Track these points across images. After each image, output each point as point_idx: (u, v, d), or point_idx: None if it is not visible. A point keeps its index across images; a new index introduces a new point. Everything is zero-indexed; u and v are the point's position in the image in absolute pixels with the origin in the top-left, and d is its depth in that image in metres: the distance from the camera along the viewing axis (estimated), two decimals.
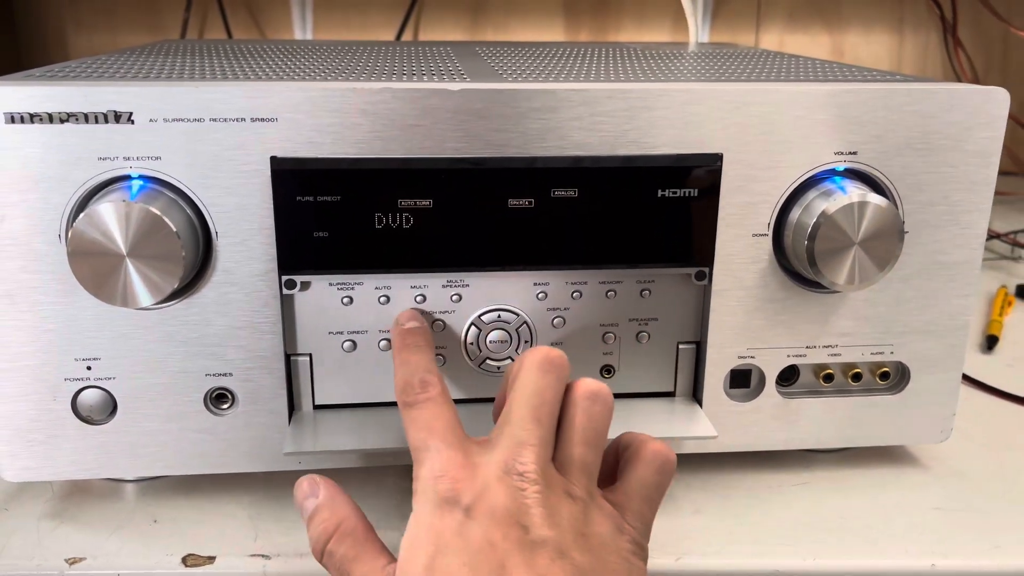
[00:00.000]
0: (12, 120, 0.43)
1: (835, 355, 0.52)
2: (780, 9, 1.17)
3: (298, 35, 1.07)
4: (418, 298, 0.49)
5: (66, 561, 0.46)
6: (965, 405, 0.59)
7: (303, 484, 0.43)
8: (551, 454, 0.41)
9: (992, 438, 0.58)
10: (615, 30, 1.15)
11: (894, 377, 0.53)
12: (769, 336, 0.51)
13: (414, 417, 0.41)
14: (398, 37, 1.09)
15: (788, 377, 0.53)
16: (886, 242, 0.47)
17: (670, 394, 0.53)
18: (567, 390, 0.42)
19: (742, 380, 0.52)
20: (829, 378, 0.52)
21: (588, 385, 0.42)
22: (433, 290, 0.49)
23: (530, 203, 0.47)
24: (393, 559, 0.40)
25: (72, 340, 0.46)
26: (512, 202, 0.47)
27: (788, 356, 0.51)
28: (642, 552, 0.41)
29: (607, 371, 0.52)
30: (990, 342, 0.73)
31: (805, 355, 0.51)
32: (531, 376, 0.41)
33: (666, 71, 0.57)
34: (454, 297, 0.49)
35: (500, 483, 0.38)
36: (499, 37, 1.14)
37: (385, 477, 0.53)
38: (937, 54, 1.20)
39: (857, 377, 0.52)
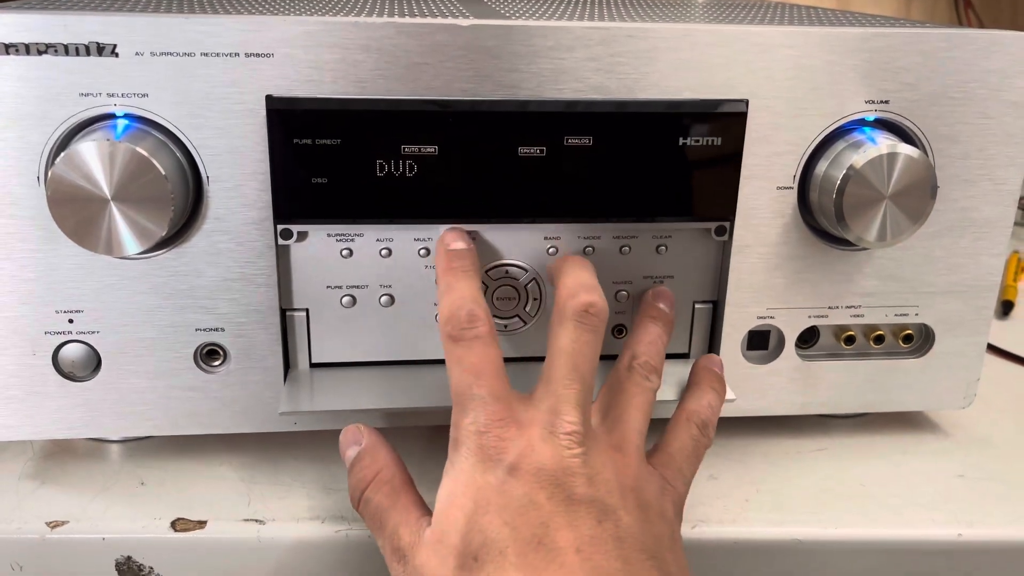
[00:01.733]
0: None
1: (857, 316, 0.49)
2: None
3: None
4: (421, 251, 0.46)
5: (47, 524, 0.43)
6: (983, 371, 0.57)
7: (348, 432, 0.43)
8: (591, 412, 0.40)
9: (1012, 404, 0.56)
10: None
11: (917, 340, 0.51)
12: (790, 296, 0.48)
13: (460, 356, 0.39)
14: None
15: (807, 339, 0.50)
16: (918, 195, 0.44)
17: (684, 356, 0.50)
18: (624, 357, 0.44)
19: (760, 342, 0.50)
20: (850, 340, 0.50)
21: (646, 358, 0.43)
22: (437, 242, 0.46)
23: (541, 151, 0.44)
24: (428, 512, 0.39)
25: (53, 291, 0.43)
26: (522, 150, 0.44)
27: (809, 317, 0.49)
28: (681, 514, 0.41)
29: (619, 331, 0.50)
30: (1005, 307, 0.71)
31: (827, 316, 0.49)
32: (569, 330, 0.40)
33: (682, 15, 0.54)
34: None
35: (544, 443, 0.37)
36: None
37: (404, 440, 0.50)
38: (945, 17, 1.17)
39: (879, 340, 0.50)
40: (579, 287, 0.41)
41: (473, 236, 0.46)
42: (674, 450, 0.42)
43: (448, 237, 0.45)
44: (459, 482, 0.37)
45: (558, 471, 0.36)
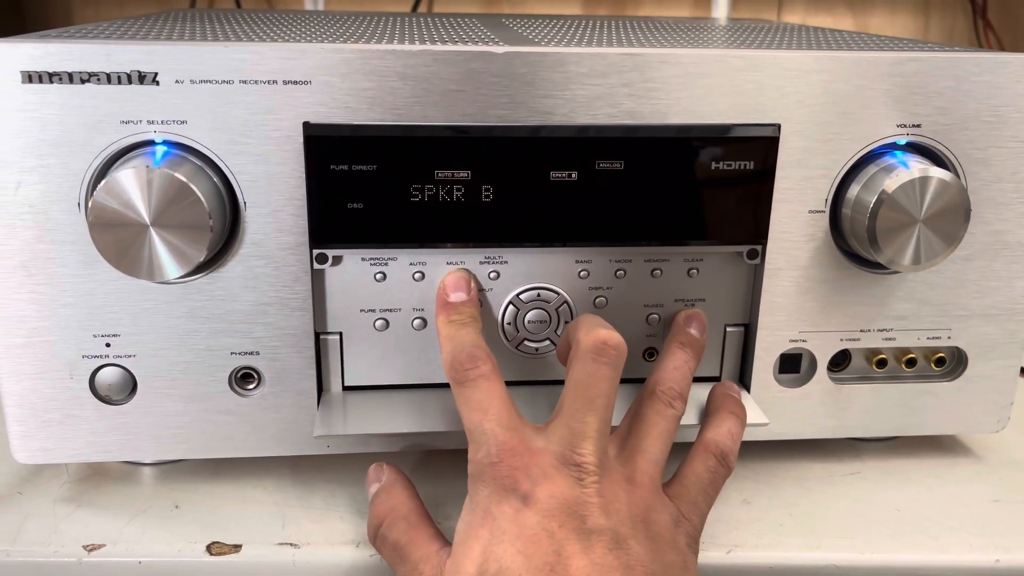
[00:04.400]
0: (30, 79, 0.40)
1: (889, 339, 0.49)
2: None
3: (308, 6, 1.04)
4: None
5: (84, 548, 0.43)
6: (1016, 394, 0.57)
7: (371, 470, 0.45)
8: (607, 443, 0.40)
9: None
10: (635, 5, 1.12)
11: (950, 363, 0.51)
12: (822, 319, 0.48)
13: (467, 396, 0.40)
14: (414, 9, 1.06)
15: (839, 362, 0.50)
16: (952, 219, 0.44)
17: (716, 379, 0.50)
18: (648, 383, 0.44)
19: (792, 365, 0.50)
20: (882, 363, 0.50)
21: (671, 384, 0.43)
22: (470, 266, 0.46)
23: (573, 176, 0.45)
24: (447, 544, 0.39)
25: (91, 315, 0.44)
26: (554, 174, 0.44)
27: (841, 340, 0.49)
28: (695, 546, 0.40)
29: (650, 354, 0.50)
30: None
31: (859, 339, 0.49)
32: (586, 365, 0.40)
33: (709, 41, 0.54)
34: (492, 274, 0.47)
35: (557, 472, 0.37)
36: (516, 10, 1.11)
37: (437, 464, 0.51)
38: (964, 37, 1.17)
39: (911, 363, 0.50)
40: (596, 326, 0.42)
41: (494, 274, 0.46)
42: (690, 482, 0.42)
43: (449, 285, 0.45)
44: (476, 513, 0.38)
45: (571, 501, 0.37)
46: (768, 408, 0.49)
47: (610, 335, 0.41)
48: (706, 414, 0.46)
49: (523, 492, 0.37)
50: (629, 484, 0.39)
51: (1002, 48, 1.16)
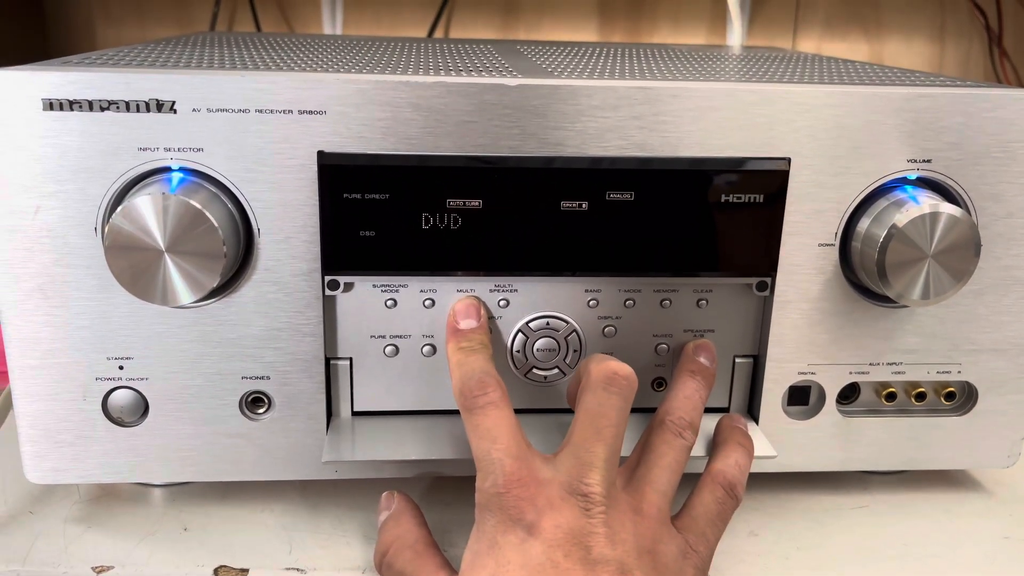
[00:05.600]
0: (50, 107, 0.41)
1: (899, 373, 0.49)
2: (817, 15, 1.14)
3: (327, 30, 1.06)
4: None
5: (93, 569, 0.44)
6: None
7: (382, 499, 0.45)
8: (616, 474, 0.40)
9: None
10: (650, 32, 1.13)
11: (960, 397, 0.51)
12: (831, 351, 0.48)
13: (475, 424, 0.40)
14: (430, 34, 1.07)
15: (848, 395, 0.50)
16: (962, 254, 0.44)
17: (724, 410, 0.50)
18: (658, 413, 0.44)
19: (801, 397, 0.50)
20: (891, 397, 0.50)
21: (681, 414, 0.43)
22: (480, 294, 0.47)
23: (583, 206, 0.45)
24: (454, 573, 0.40)
25: (105, 338, 0.44)
26: (565, 204, 0.45)
27: (850, 373, 0.49)
28: None
29: (658, 384, 0.50)
30: None
31: (868, 372, 0.49)
32: (596, 395, 0.40)
33: (721, 72, 0.55)
34: (501, 302, 0.47)
35: (564, 503, 0.37)
36: (531, 37, 1.12)
37: (445, 490, 0.51)
38: (980, 64, 1.17)
39: (921, 396, 0.50)
40: (607, 360, 0.42)
41: (504, 302, 0.46)
42: (698, 513, 0.42)
43: (459, 312, 0.45)
44: (482, 543, 0.38)
45: (577, 531, 0.37)
46: (777, 440, 0.49)
47: (621, 366, 0.41)
48: (714, 445, 0.46)
49: (528, 522, 0.37)
50: (636, 514, 0.39)
51: (1017, 76, 1.16)
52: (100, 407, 0.46)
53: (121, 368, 0.45)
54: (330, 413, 0.48)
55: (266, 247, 0.44)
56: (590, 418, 0.40)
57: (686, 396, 0.44)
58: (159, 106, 0.41)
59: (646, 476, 0.41)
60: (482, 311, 0.46)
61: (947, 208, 0.44)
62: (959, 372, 0.49)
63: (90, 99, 0.41)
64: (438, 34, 1.08)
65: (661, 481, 0.41)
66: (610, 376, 0.40)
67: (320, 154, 0.43)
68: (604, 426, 0.39)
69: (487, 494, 0.38)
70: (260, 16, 1.07)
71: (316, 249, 0.44)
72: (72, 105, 0.41)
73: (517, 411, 0.49)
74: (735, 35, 1.00)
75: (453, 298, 0.47)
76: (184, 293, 0.41)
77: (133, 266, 0.41)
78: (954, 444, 0.51)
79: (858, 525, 0.49)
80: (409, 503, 0.44)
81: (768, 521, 0.49)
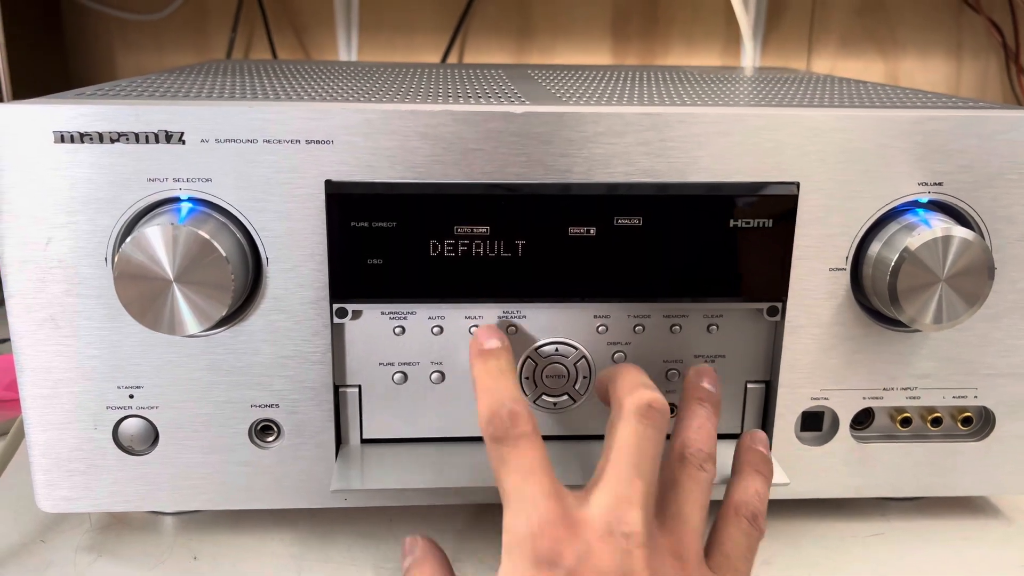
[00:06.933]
0: (62, 139, 0.41)
1: (914, 398, 0.48)
2: (832, 34, 1.14)
3: (343, 56, 1.06)
4: (472, 329, 0.47)
5: None
6: None
7: (405, 543, 0.43)
8: (653, 509, 0.38)
9: None
10: (663, 54, 1.13)
11: (977, 423, 0.50)
12: (844, 376, 0.48)
13: (504, 456, 0.38)
14: (443, 59, 1.08)
15: (862, 420, 0.49)
16: (975, 278, 0.44)
17: (736, 436, 0.50)
18: (675, 447, 0.42)
19: (814, 423, 0.49)
20: (907, 422, 0.49)
21: (699, 446, 0.42)
22: (489, 321, 0.47)
23: (591, 231, 0.45)
24: None
25: (115, 367, 0.45)
26: (573, 230, 0.45)
27: (864, 398, 0.48)
28: None
29: (669, 411, 0.49)
30: None
31: (882, 397, 0.48)
32: (631, 426, 0.39)
33: (732, 95, 0.54)
34: (510, 329, 0.47)
35: (604, 544, 0.36)
36: (545, 61, 1.12)
37: (454, 518, 0.50)
38: (997, 82, 1.16)
39: (937, 422, 0.49)
40: (638, 385, 0.41)
41: (513, 328, 0.46)
42: (728, 550, 0.40)
43: (481, 336, 0.43)
44: None
45: (619, 574, 0.35)
46: (790, 466, 0.48)
47: (655, 397, 0.40)
48: (732, 471, 0.45)
49: (568, 566, 0.35)
50: (676, 559, 0.38)
51: None
52: (111, 436, 0.46)
53: (131, 397, 0.45)
54: (339, 441, 0.48)
55: (274, 276, 0.44)
56: (626, 452, 0.38)
57: (699, 426, 0.43)
58: (168, 137, 0.42)
59: (679, 515, 0.39)
60: (503, 333, 0.45)
61: (959, 231, 0.43)
62: (976, 397, 0.48)
63: (100, 131, 0.42)
64: (452, 58, 1.09)
65: (694, 520, 0.39)
66: (645, 409, 0.39)
67: (328, 183, 0.43)
68: (641, 461, 0.38)
69: (518, 535, 0.36)
70: (276, 43, 1.08)
71: (324, 277, 0.44)
72: (83, 137, 0.42)
73: None
74: (747, 56, 1.00)
75: (461, 325, 0.47)
76: (192, 323, 0.41)
77: (142, 295, 0.41)
78: (972, 470, 0.50)
79: (874, 553, 0.48)
80: (433, 548, 0.43)
81: (782, 549, 0.48)
